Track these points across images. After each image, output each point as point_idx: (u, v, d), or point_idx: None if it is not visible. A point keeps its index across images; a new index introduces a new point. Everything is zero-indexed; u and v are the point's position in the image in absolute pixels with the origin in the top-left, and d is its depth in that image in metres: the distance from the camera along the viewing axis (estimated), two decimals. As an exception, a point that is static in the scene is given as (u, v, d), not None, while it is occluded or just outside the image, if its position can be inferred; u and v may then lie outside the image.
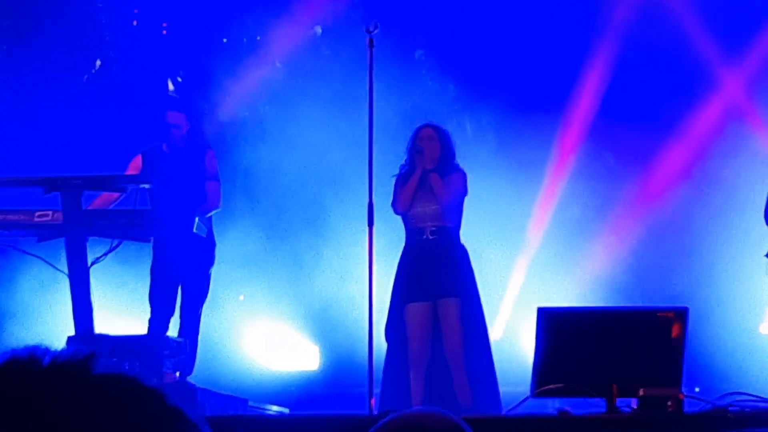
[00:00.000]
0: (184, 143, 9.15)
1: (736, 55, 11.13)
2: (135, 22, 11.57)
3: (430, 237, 8.10)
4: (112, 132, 10.82)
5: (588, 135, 11.25)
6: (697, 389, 8.19)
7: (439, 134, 8.30)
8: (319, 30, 10.77)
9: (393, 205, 8.22)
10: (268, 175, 11.18)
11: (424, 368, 8.01)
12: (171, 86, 9.27)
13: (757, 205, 8.03)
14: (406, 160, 8.32)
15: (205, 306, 9.12)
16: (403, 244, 8.27)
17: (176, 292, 9.04)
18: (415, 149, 8.22)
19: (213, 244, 9.10)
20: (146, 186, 8.55)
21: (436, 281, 8.03)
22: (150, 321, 8.99)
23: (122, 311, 9.95)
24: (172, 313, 9.02)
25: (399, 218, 8.26)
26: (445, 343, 8.04)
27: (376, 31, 7.89)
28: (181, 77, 9.29)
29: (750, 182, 9.80)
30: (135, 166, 9.16)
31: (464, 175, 8.26)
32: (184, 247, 8.67)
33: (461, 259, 8.14)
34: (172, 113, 9.24)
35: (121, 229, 8.27)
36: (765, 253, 7.91)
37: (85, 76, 11.25)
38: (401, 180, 8.25)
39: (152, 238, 8.60)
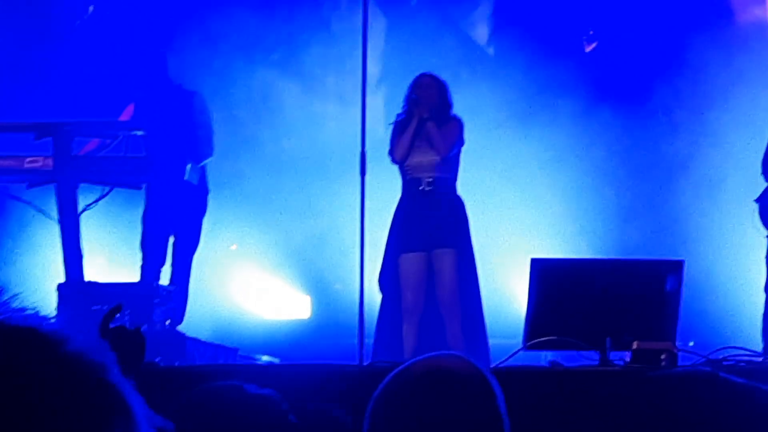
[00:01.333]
0: (174, 89, 9.04)
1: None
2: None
3: (427, 188, 8.03)
4: (106, 78, 10.73)
5: (586, 87, 11.17)
6: (691, 343, 8.14)
7: (437, 83, 8.23)
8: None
9: (390, 153, 8.14)
10: (261, 125, 11.11)
11: (418, 319, 7.98)
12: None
13: (753, 158, 7.99)
14: (403, 109, 8.24)
15: (196, 255, 9.06)
16: (399, 195, 8.20)
17: (168, 241, 8.96)
18: (412, 98, 8.15)
19: (206, 192, 9.01)
20: (139, 133, 8.48)
21: (432, 232, 7.97)
22: (142, 269, 8.92)
23: (113, 259, 9.88)
24: (163, 262, 8.94)
25: (395, 168, 8.18)
26: (439, 294, 8.00)
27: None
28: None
29: (747, 134, 9.73)
30: (129, 113, 9.07)
31: (461, 125, 8.18)
32: (176, 195, 8.59)
33: (457, 209, 8.08)
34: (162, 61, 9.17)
35: (112, 175, 8.22)
36: (755, 198, 7.88)
37: (78, 22, 11.14)
38: (398, 128, 8.17)
39: (144, 185, 8.53)
